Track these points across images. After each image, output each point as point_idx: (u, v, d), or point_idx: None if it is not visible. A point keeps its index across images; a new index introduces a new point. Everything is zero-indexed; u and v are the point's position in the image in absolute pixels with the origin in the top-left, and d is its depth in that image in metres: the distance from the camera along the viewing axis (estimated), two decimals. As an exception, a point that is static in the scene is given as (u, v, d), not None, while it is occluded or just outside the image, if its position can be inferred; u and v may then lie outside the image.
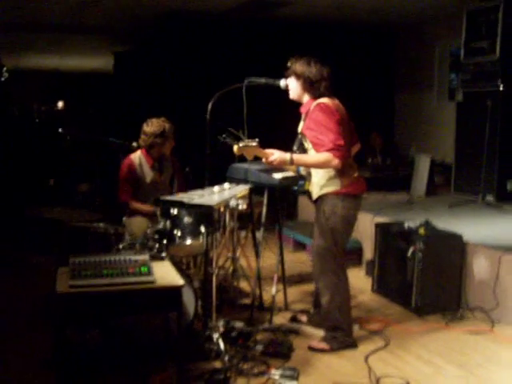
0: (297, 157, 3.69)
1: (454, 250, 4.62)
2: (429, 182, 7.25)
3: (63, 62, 14.42)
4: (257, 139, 3.65)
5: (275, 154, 3.69)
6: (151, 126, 4.62)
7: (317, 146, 3.63)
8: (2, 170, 8.21)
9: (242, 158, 3.86)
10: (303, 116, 3.84)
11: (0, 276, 5.43)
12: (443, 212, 6.08)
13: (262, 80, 4.00)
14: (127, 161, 4.68)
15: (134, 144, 4.72)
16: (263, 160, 3.78)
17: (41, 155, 9.20)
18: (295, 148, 3.88)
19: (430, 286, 4.52)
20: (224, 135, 3.88)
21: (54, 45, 11.57)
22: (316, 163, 3.66)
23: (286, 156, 3.68)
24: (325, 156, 3.57)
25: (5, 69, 11.55)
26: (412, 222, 4.87)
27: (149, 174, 4.70)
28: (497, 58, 6.47)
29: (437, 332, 4.22)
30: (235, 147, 3.60)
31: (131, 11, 8.24)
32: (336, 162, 3.56)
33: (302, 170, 3.97)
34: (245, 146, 3.58)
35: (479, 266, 4.54)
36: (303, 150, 3.83)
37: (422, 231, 4.60)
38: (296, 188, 3.99)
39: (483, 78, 6.64)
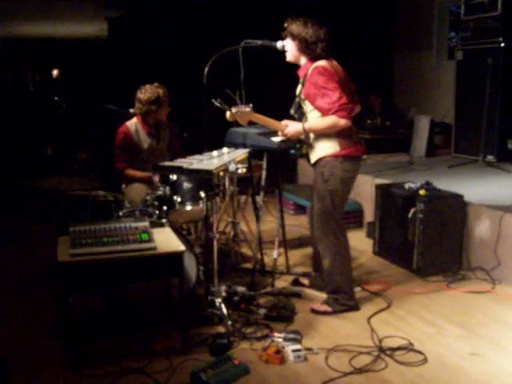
0: (308, 126, 3.70)
1: (454, 210, 4.61)
2: (429, 143, 7.22)
3: (56, 29, 14.21)
4: (250, 105, 3.61)
5: (290, 126, 3.69)
6: (145, 93, 4.55)
7: (322, 110, 3.60)
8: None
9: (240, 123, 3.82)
10: (301, 79, 3.78)
11: (0, 246, 5.42)
12: (444, 173, 6.06)
13: (259, 42, 3.95)
14: (123, 128, 4.63)
15: (132, 110, 4.66)
16: (279, 133, 3.82)
17: (37, 124, 9.12)
18: (293, 111, 3.85)
19: (431, 246, 4.52)
20: (218, 99, 3.84)
21: (46, 11, 11.37)
22: (326, 128, 3.63)
23: (299, 126, 3.70)
24: (331, 119, 3.56)
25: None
26: (412, 183, 4.84)
27: (146, 141, 4.65)
28: (498, 14, 6.37)
29: (438, 293, 4.23)
30: (228, 113, 3.56)
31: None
32: (343, 121, 3.56)
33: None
34: (237, 111, 3.54)
35: (480, 226, 4.54)
36: (301, 114, 3.80)
37: (422, 192, 4.58)
38: (293, 152, 3.95)
39: (484, 35, 6.54)
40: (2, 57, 12.81)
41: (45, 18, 12.37)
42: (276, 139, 3.99)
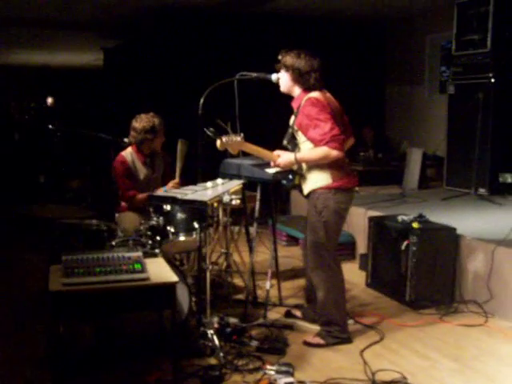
0: (300, 156, 3.73)
1: (447, 243, 4.62)
2: (421, 175, 7.27)
3: (53, 58, 14.32)
4: (241, 134, 3.63)
5: (282, 156, 3.72)
6: (140, 122, 4.57)
7: (314, 141, 3.63)
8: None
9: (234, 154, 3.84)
10: (294, 110, 3.82)
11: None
12: (436, 205, 6.08)
13: (254, 74, 3.99)
14: (120, 158, 4.63)
15: (126, 140, 4.67)
16: (271, 163, 3.84)
17: (30, 152, 9.13)
18: (285, 142, 3.88)
19: (423, 279, 4.52)
20: (210, 128, 3.86)
21: (44, 40, 11.48)
22: (318, 159, 3.65)
23: (291, 156, 3.72)
24: (323, 150, 3.58)
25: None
26: (405, 215, 4.86)
27: (142, 171, 4.66)
28: (488, 51, 6.48)
29: (431, 326, 4.22)
30: (218, 142, 3.58)
31: (120, 6, 8.18)
32: (335, 153, 3.57)
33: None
34: (228, 140, 3.56)
35: (473, 259, 4.54)
36: (294, 145, 3.83)
37: (415, 225, 4.59)
38: (285, 182, 3.96)
39: (474, 71, 6.64)
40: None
41: (42, 47, 12.47)
42: (270, 171, 4.01)
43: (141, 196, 4.53)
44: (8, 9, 8.28)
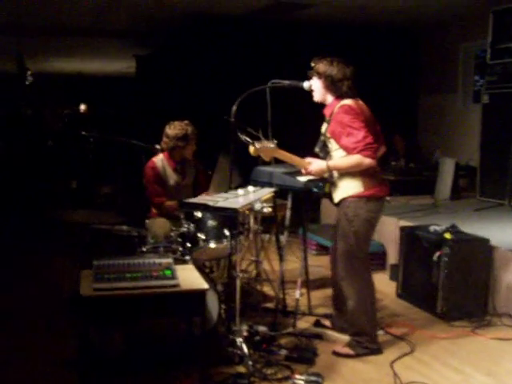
0: (332, 164, 3.71)
1: (480, 254, 4.54)
2: (453, 186, 7.16)
3: (86, 66, 14.53)
4: (275, 141, 3.63)
5: (313, 164, 3.70)
6: (174, 129, 4.60)
7: (347, 149, 3.61)
8: (25, 173, 8.27)
9: (266, 162, 3.83)
10: (327, 118, 3.80)
11: (24, 278, 5.45)
12: (469, 216, 5.99)
13: (286, 82, 3.99)
14: (150, 164, 4.67)
15: (158, 146, 4.71)
16: (302, 171, 3.82)
17: (63, 158, 9.25)
18: (317, 150, 3.86)
19: (456, 291, 4.45)
20: (244, 134, 3.86)
21: (77, 48, 11.65)
22: (350, 167, 3.63)
23: (323, 164, 3.70)
24: (356, 158, 3.55)
25: (29, 72, 11.66)
26: (437, 225, 4.79)
27: (172, 177, 4.68)
28: (524, 59, 6.38)
29: (463, 338, 4.14)
30: (251, 148, 3.57)
31: (152, 14, 8.26)
32: (368, 161, 3.55)
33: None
34: (261, 146, 3.55)
35: (507, 271, 4.46)
36: (326, 152, 3.81)
37: (447, 235, 4.53)
38: (316, 190, 3.93)
39: (510, 80, 6.53)
40: (34, 92, 13.09)
41: (76, 55, 12.66)
42: (302, 179, 3.99)
43: (169, 203, 4.55)
44: (43, 18, 8.42)
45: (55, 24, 9.06)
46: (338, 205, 3.85)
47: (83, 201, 6.93)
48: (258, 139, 3.61)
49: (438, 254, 4.46)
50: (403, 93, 9.46)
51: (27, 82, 11.81)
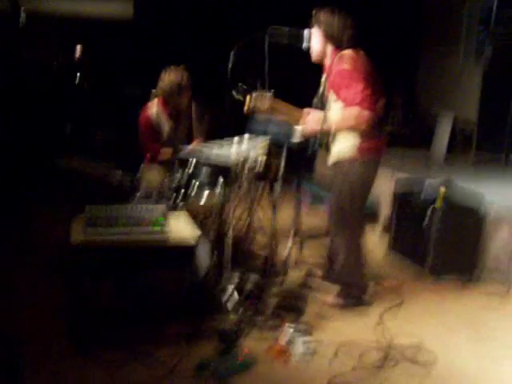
0: (330, 115, 3.64)
1: (474, 209, 4.54)
2: (451, 140, 7.12)
3: (82, 8, 14.20)
4: (272, 90, 3.56)
5: (312, 114, 3.67)
6: (169, 75, 4.53)
7: (346, 101, 3.55)
8: (17, 117, 8.15)
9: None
10: (326, 69, 3.73)
11: (15, 226, 5.42)
12: (465, 170, 5.98)
13: (285, 28, 3.87)
14: (144, 112, 4.60)
15: (153, 91, 4.64)
16: (300, 122, 3.76)
17: (58, 101, 9.12)
18: (315, 101, 3.80)
19: (447, 245, 4.45)
20: (240, 84, 3.77)
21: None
22: (348, 118, 3.55)
23: (321, 115, 3.65)
24: (355, 110, 3.49)
25: (22, 8, 11.37)
26: (433, 179, 4.77)
27: (165, 125, 4.63)
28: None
29: (452, 292, 4.19)
30: (248, 98, 3.51)
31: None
32: (366, 113, 3.48)
33: None
34: (258, 95, 3.49)
35: (500, 228, 4.47)
36: (324, 104, 3.74)
37: (442, 189, 4.51)
38: (310, 152, 3.88)
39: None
40: (27, 33, 12.82)
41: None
42: (295, 139, 3.93)
43: (164, 151, 4.52)
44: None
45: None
46: (333, 165, 3.81)
47: (77, 146, 6.86)
48: (254, 90, 3.55)
49: (431, 207, 4.46)
50: (405, 46, 9.28)
51: (21, 22, 11.55)
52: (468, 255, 4.53)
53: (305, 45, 3.76)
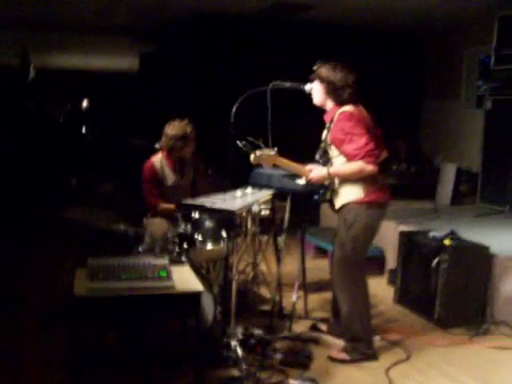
0: (333, 171, 3.67)
1: (480, 261, 4.51)
2: (454, 191, 7.13)
3: (89, 63, 14.50)
4: (275, 148, 3.60)
5: (314, 171, 3.67)
6: (173, 129, 4.57)
7: (348, 156, 3.58)
8: (23, 170, 8.23)
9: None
10: (327, 124, 3.76)
11: (20, 276, 5.40)
12: (469, 222, 5.96)
13: (287, 84, 3.94)
14: (148, 164, 4.64)
15: (157, 145, 4.68)
16: (303, 178, 3.79)
17: (63, 154, 9.22)
18: (318, 157, 3.82)
19: (454, 298, 4.41)
20: (243, 142, 3.81)
21: (81, 45, 11.62)
22: (351, 174, 3.59)
23: (324, 171, 3.67)
24: (358, 165, 3.53)
25: (32, 65, 11.63)
26: (437, 231, 4.76)
27: (170, 177, 4.65)
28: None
29: (460, 346, 4.11)
30: (252, 156, 3.54)
31: (157, 12, 8.23)
32: (370, 167, 3.52)
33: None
34: (261, 154, 3.52)
35: (506, 279, 4.42)
36: (327, 159, 3.77)
37: (447, 241, 4.50)
38: (316, 197, 3.90)
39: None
40: (35, 88, 13.05)
41: (79, 51, 12.63)
42: (301, 181, 3.96)
43: (163, 206, 4.52)
44: (47, 13, 8.40)
45: (59, 20, 9.03)
46: (338, 211, 3.81)
47: (82, 198, 6.90)
48: (258, 147, 3.57)
49: (436, 260, 4.43)
50: (406, 97, 9.42)
51: (30, 77, 11.79)
52: (475, 307, 4.49)
53: (308, 88, 3.81)
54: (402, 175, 7.89)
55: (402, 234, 5.02)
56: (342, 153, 3.63)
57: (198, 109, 8.07)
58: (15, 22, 9.11)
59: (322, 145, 3.79)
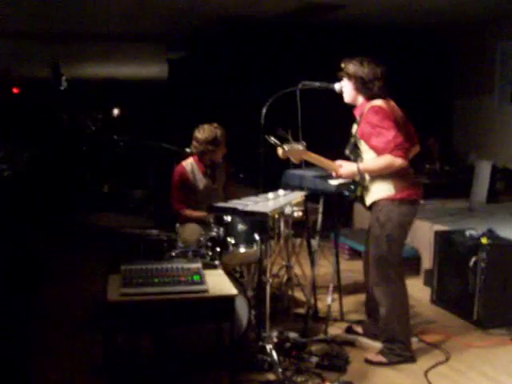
0: (362, 166, 3.64)
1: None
2: (490, 189, 6.98)
3: (118, 71, 14.66)
4: (304, 143, 3.56)
5: (344, 166, 3.63)
6: (203, 133, 4.57)
7: (377, 150, 3.53)
8: (57, 177, 8.35)
9: (297, 165, 3.76)
10: (357, 119, 3.73)
11: (54, 282, 5.47)
12: (506, 220, 5.82)
13: (316, 84, 3.93)
14: (179, 168, 4.64)
15: (188, 150, 4.68)
16: (333, 174, 3.76)
17: (96, 162, 9.33)
18: (348, 152, 3.78)
19: (493, 298, 4.31)
20: (272, 137, 3.79)
21: (110, 53, 11.75)
22: (381, 168, 3.54)
23: (353, 167, 3.64)
24: (387, 159, 3.47)
25: (64, 78, 11.82)
26: (473, 230, 4.66)
27: (201, 181, 4.65)
28: None
29: (501, 347, 4.01)
30: (280, 150, 3.51)
31: (186, 17, 8.26)
32: (399, 161, 3.46)
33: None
34: (290, 149, 3.49)
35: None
36: (357, 154, 3.73)
37: (484, 240, 4.40)
38: (347, 193, 3.85)
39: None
40: (69, 98, 13.28)
41: (109, 60, 12.78)
42: (334, 182, 3.91)
43: (188, 212, 4.52)
44: (75, 23, 8.51)
45: (88, 30, 9.14)
46: (369, 208, 3.76)
47: (115, 205, 6.96)
48: (287, 142, 3.54)
49: (474, 259, 4.34)
50: (438, 94, 9.28)
51: (62, 88, 11.97)
52: (516, 307, 4.37)
53: (337, 87, 3.78)
54: (435, 174, 7.77)
55: (438, 234, 4.94)
56: (371, 147, 3.59)
57: (228, 113, 8.06)
58: (46, 34, 9.25)
59: (352, 139, 3.75)
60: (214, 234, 3.95)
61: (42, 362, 3.72)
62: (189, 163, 4.66)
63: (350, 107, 3.81)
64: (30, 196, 7.52)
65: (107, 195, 7.45)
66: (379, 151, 3.53)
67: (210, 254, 3.90)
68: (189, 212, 4.54)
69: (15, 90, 15.22)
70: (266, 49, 8.31)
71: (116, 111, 15.52)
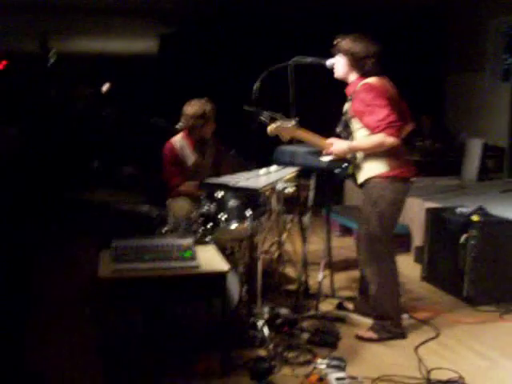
0: (354, 144, 3.62)
1: (509, 237, 4.42)
2: (481, 167, 7.00)
3: (108, 45, 14.50)
4: (294, 120, 3.52)
5: (335, 144, 3.60)
6: (192, 107, 4.51)
7: (369, 128, 3.51)
8: (46, 153, 8.27)
9: (289, 141, 3.74)
10: (349, 96, 3.70)
11: (45, 259, 5.44)
12: (496, 197, 5.85)
13: (309, 59, 3.89)
14: (168, 145, 4.59)
15: (178, 126, 4.64)
16: (324, 151, 3.71)
17: (85, 138, 9.24)
18: (339, 129, 3.76)
19: (483, 275, 4.34)
20: (264, 113, 3.76)
21: (101, 28, 11.60)
22: (373, 146, 3.52)
23: (345, 145, 3.61)
24: (379, 137, 3.45)
25: (53, 51, 11.63)
26: (464, 207, 4.67)
27: (190, 157, 4.60)
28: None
29: (490, 324, 4.04)
30: (269, 127, 3.48)
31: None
32: (391, 140, 3.44)
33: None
34: (279, 125, 3.46)
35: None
36: (348, 132, 3.71)
37: (475, 217, 4.41)
38: (338, 171, 3.83)
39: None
40: (56, 72, 13.10)
41: (99, 35, 12.63)
42: (326, 158, 3.89)
43: (184, 187, 4.48)
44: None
45: (78, 3, 9.00)
46: (362, 186, 3.75)
47: (105, 181, 6.90)
48: (276, 119, 3.51)
49: (465, 236, 4.35)
50: (430, 72, 9.24)
51: (50, 61, 11.81)
52: (506, 284, 4.40)
53: (329, 63, 3.74)
54: (426, 151, 7.78)
55: (429, 211, 4.94)
56: (364, 125, 3.57)
57: (218, 89, 8.00)
58: (34, 6, 9.10)
59: (344, 117, 3.73)
60: (205, 210, 3.93)
61: (39, 344, 3.69)
62: (178, 139, 4.61)
63: (342, 85, 3.76)
64: (20, 173, 7.46)
65: (97, 171, 7.38)
66: (371, 129, 3.50)
67: (202, 230, 3.88)
68: (186, 187, 4.49)
69: (0, 66, 15.01)
70: (259, 24, 8.23)
71: (106, 86, 15.35)
